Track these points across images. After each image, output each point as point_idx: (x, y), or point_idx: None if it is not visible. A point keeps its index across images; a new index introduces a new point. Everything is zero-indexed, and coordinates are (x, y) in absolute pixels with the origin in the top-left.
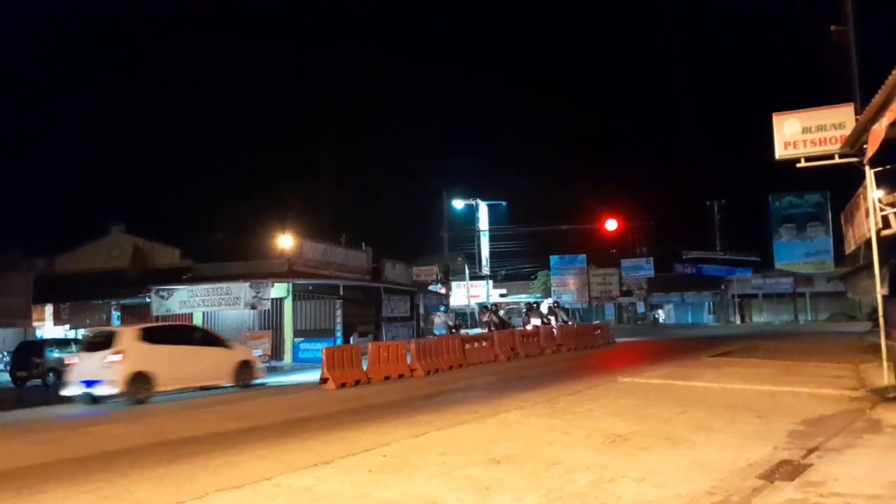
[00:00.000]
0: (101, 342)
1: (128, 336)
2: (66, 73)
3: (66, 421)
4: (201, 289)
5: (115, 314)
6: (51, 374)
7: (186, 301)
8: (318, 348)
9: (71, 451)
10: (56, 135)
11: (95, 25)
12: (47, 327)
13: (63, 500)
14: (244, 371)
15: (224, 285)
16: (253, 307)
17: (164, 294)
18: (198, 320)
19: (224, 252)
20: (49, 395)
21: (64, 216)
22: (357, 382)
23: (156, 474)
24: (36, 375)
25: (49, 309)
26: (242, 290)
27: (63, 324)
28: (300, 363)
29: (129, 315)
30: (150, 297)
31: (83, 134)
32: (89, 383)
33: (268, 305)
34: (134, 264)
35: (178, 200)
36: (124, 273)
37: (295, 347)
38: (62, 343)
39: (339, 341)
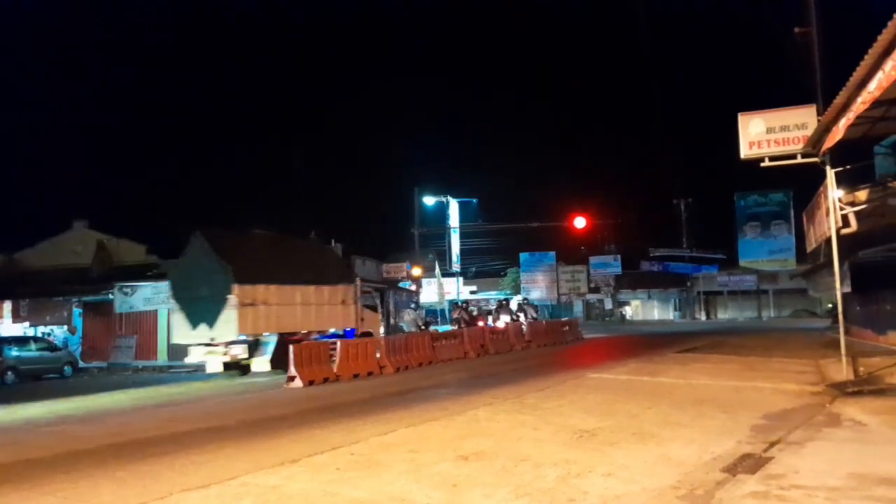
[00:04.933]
0: None
1: None
2: (26, 64)
3: (29, 420)
4: (167, 285)
5: (77, 311)
6: (10, 373)
7: (151, 298)
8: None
9: (33, 452)
10: (15, 125)
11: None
12: (5, 325)
13: (23, 503)
14: None
15: None
16: None
17: (128, 291)
18: (163, 318)
19: None
20: (9, 393)
21: (24, 210)
22: (326, 380)
23: (120, 475)
24: None
25: (7, 306)
26: None
27: (22, 321)
28: None
29: (92, 312)
30: (113, 294)
31: (45, 125)
32: None
33: None
34: (97, 261)
35: (145, 196)
36: (87, 270)
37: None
38: (21, 341)
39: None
